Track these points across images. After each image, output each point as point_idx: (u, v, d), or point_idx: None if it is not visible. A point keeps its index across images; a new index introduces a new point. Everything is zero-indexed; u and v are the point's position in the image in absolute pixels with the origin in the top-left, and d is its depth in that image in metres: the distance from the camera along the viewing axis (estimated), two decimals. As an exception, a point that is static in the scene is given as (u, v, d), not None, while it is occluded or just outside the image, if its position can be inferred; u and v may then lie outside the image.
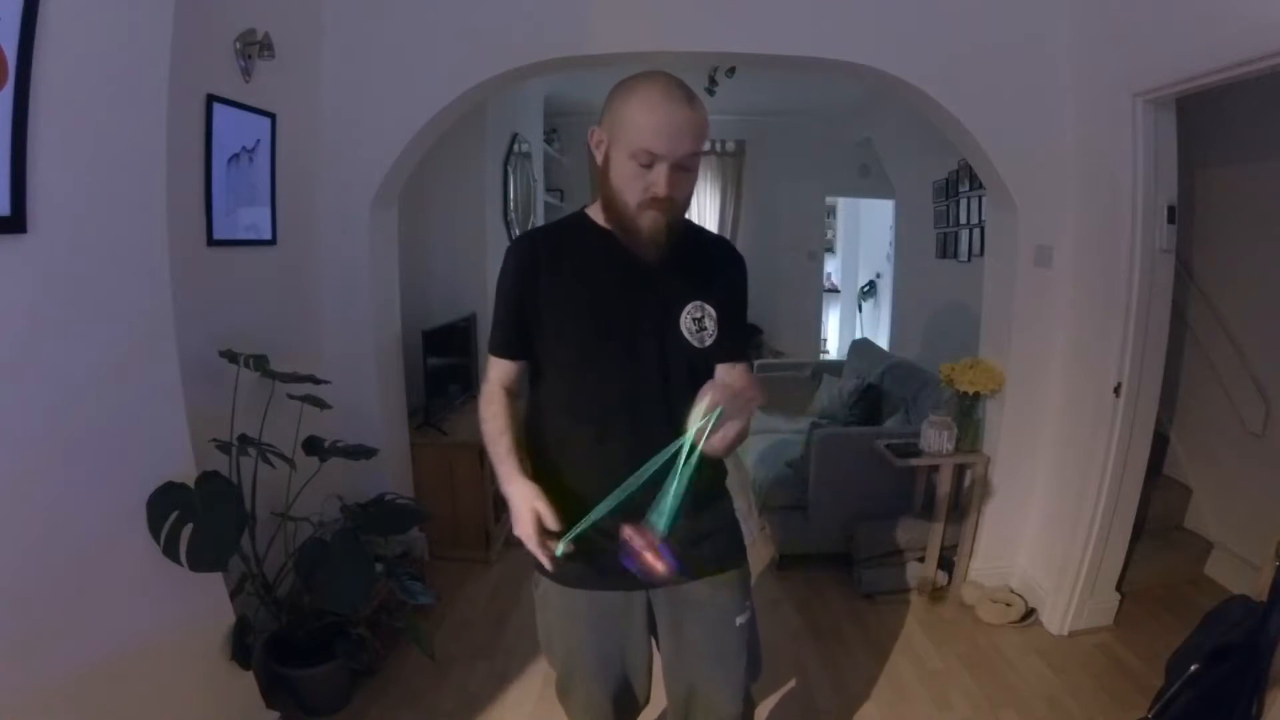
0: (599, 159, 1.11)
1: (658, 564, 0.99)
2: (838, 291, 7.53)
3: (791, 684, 2.23)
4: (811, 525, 2.89)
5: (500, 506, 3.17)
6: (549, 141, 5.35)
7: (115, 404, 1.42)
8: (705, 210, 5.75)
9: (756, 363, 4.83)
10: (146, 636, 1.48)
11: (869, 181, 5.95)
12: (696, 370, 1.16)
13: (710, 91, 4.26)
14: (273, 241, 2.22)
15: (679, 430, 1.03)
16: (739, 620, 1.28)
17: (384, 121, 2.43)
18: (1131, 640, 2.39)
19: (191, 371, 1.64)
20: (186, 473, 1.56)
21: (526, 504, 1.07)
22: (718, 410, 0.99)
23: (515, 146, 4.23)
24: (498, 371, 1.24)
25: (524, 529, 1.07)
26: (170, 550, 1.45)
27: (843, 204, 7.29)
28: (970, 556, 2.76)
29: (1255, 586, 1.57)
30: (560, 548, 1.04)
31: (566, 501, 1.10)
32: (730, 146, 5.82)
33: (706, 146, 5.13)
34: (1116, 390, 2.23)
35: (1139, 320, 2.19)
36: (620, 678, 1.31)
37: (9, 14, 1.15)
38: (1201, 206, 2.81)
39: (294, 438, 2.06)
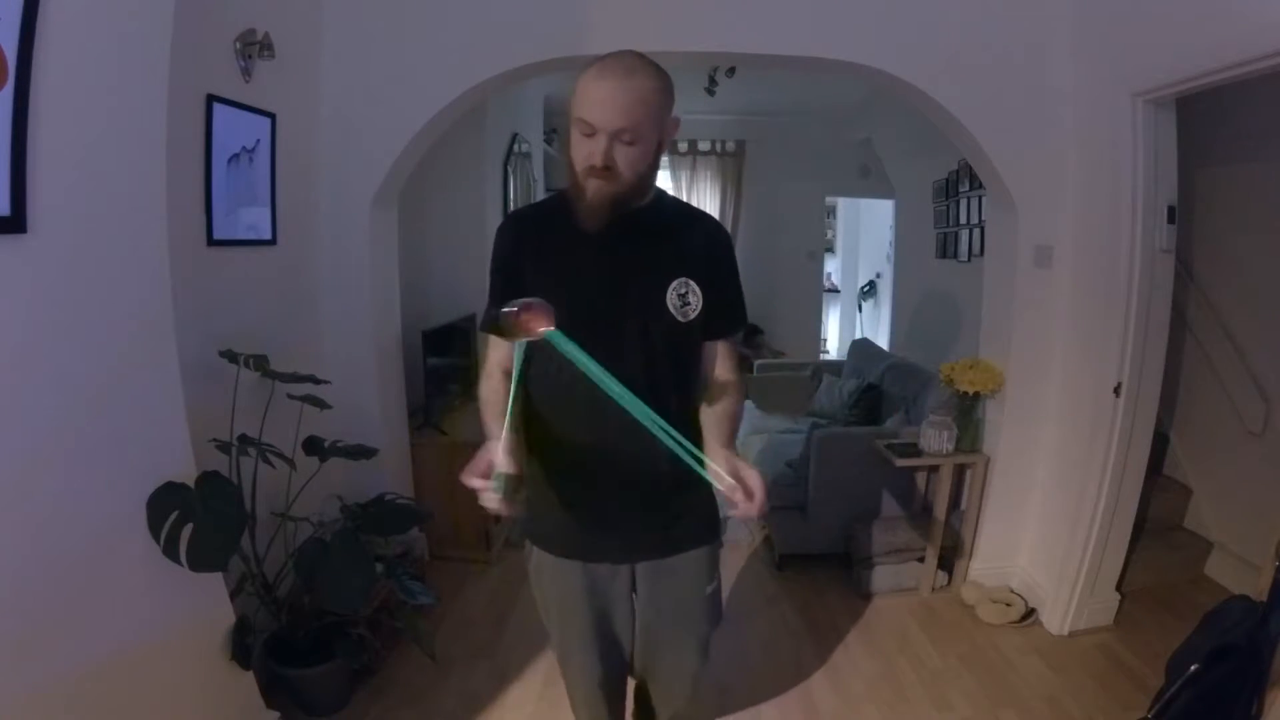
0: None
1: (541, 324, 0.99)
2: (838, 291, 7.53)
3: (792, 684, 2.23)
4: (811, 525, 2.89)
5: (500, 506, 3.16)
6: (549, 141, 5.34)
7: (115, 404, 1.42)
8: (705, 210, 5.76)
9: (757, 363, 4.82)
10: (146, 636, 1.48)
11: (869, 181, 5.95)
12: (681, 344, 1.22)
13: (710, 91, 4.26)
14: (273, 241, 2.22)
15: (663, 404, 1.07)
16: (708, 589, 1.39)
17: (384, 121, 2.43)
18: (1131, 640, 2.39)
19: (191, 371, 1.64)
20: (186, 473, 1.56)
21: (486, 452, 1.08)
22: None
23: (515, 146, 4.23)
24: (495, 353, 1.29)
25: (472, 469, 1.07)
26: (170, 550, 1.45)
27: (843, 204, 7.28)
28: (970, 556, 2.76)
29: (1255, 586, 1.57)
30: (498, 484, 1.03)
31: (563, 471, 1.23)
32: (730, 146, 5.82)
33: (706, 147, 5.13)
34: (1116, 390, 2.23)
35: (1139, 320, 2.19)
36: (607, 644, 1.40)
37: (9, 14, 1.15)
38: (1201, 206, 2.81)
39: (294, 438, 2.07)
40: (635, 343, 1.19)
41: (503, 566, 2.98)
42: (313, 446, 2.10)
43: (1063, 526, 2.46)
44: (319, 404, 2.05)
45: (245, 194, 2.08)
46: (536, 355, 1.21)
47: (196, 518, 1.49)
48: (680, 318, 1.20)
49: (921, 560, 2.75)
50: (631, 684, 1.59)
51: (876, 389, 3.70)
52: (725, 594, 2.73)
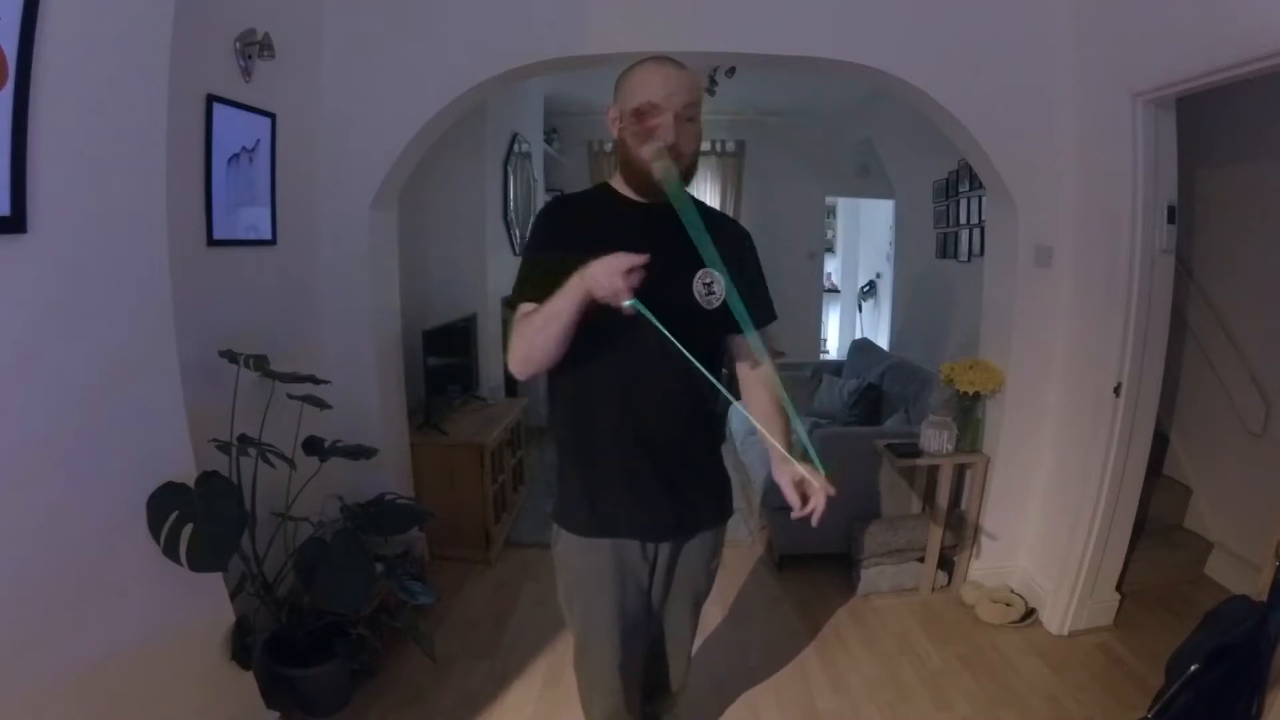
0: (614, 132, 1.28)
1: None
2: (838, 291, 7.53)
3: (792, 684, 2.23)
4: (812, 525, 2.88)
5: (500, 506, 3.17)
6: (549, 141, 5.35)
7: (115, 404, 1.42)
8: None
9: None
10: (146, 636, 1.48)
11: (869, 181, 5.94)
12: (705, 330, 1.29)
13: (710, 91, 4.25)
14: (273, 241, 2.22)
15: (692, 382, 1.22)
16: (711, 565, 1.51)
17: (384, 122, 2.43)
18: (1131, 640, 2.39)
19: (191, 371, 1.64)
20: (186, 473, 1.56)
21: (612, 259, 1.09)
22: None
23: (515, 146, 4.23)
24: (526, 310, 1.29)
25: (612, 265, 1.08)
26: (170, 550, 1.45)
27: (843, 204, 7.28)
28: (970, 556, 2.76)
29: (1255, 586, 1.57)
30: (630, 301, 1.08)
31: (595, 454, 1.32)
32: (730, 146, 5.81)
33: (706, 146, 5.15)
34: (1116, 390, 2.23)
35: (1139, 320, 2.19)
36: (631, 624, 1.44)
37: (9, 14, 1.15)
38: (1201, 206, 2.81)
39: (294, 438, 2.06)
40: (668, 319, 1.21)
41: (503, 566, 2.98)
42: (313, 446, 2.10)
43: (1063, 526, 2.46)
44: (319, 404, 2.05)
45: (245, 194, 2.08)
46: (582, 330, 1.26)
47: (196, 518, 1.48)
48: (705, 305, 1.29)
49: (921, 560, 2.75)
50: None
51: (876, 389, 3.70)
52: (726, 594, 2.75)
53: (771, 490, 3.04)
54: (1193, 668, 1.49)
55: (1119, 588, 2.50)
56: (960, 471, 2.73)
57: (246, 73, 2.03)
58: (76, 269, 1.32)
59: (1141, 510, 2.46)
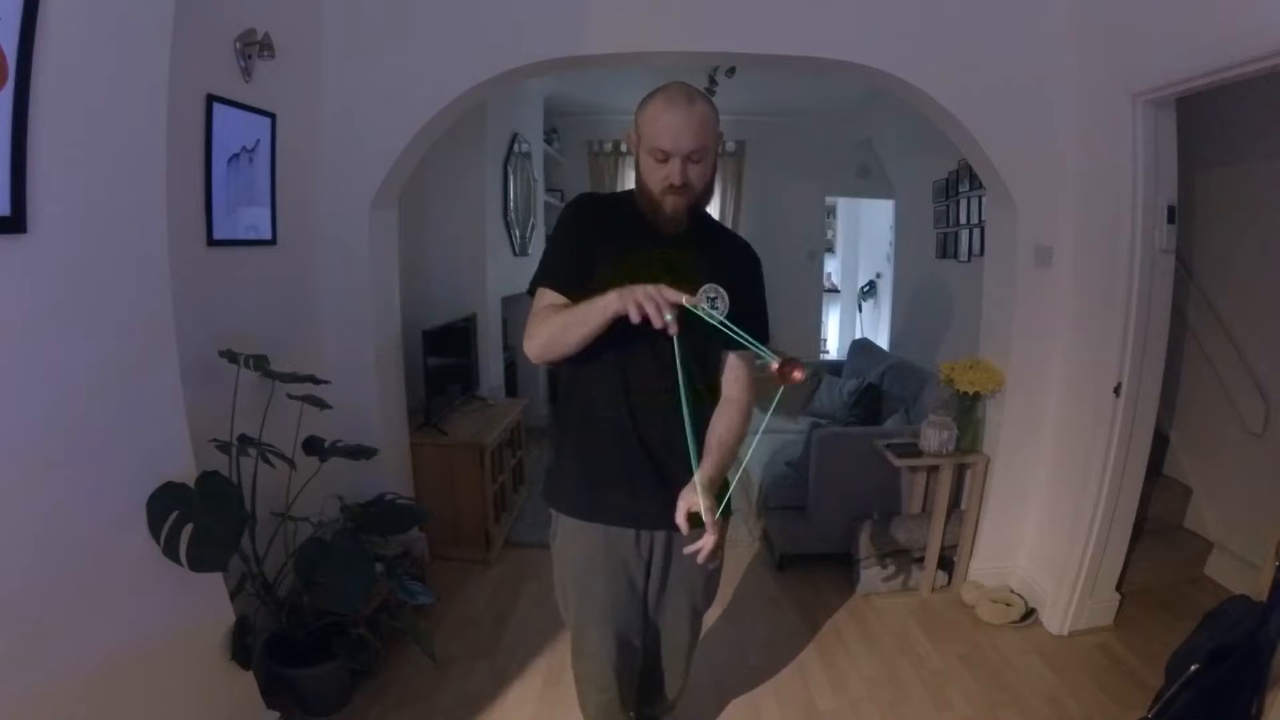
0: (634, 152, 1.33)
1: (800, 371, 1.14)
2: (838, 291, 7.52)
3: (792, 684, 2.23)
4: (811, 525, 2.89)
5: (500, 506, 3.17)
6: (549, 141, 5.34)
7: (115, 404, 1.42)
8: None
9: (757, 363, 4.82)
10: (146, 636, 1.48)
11: (869, 181, 5.94)
12: (710, 341, 1.31)
13: (710, 91, 4.24)
14: (273, 241, 2.22)
15: (692, 388, 1.23)
16: (710, 567, 1.48)
17: (384, 121, 2.43)
18: (1131, 640, 2.39)
19: (191, 371, 1.64)
20: (186, 473, 1.56)
21: (661, 291, 1.13)
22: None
23: (515, 146, 4.23)
24: (549, 300, 1.33)
25: (648, 290, 1.12)
26: (170, 550, 1.45)
27: (843, 204, 7.27)
28: (970, 556, 2.76)
29: (1255, 586, 1.57)
30: (670, 314, 1.11)
31: (594, 442, 1.37)
32: (730, 146, 5.81)
33: (708, 146, 4.91)
34: (1116, 390, 2.23)
35: (1139, 320, 2.19)
36: (624, 621, 1.47)
37: (9, 14, 1.15)
38: (1201, 206, 2.81)
39: (294, 438, 2.06)
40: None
41: (503, 566, 2.98)
42: (313, 446, 2.10)
43: (1063, 526, 2.46)
44: (319, 404, 2.05)
45: (245, 194, 2.08)
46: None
47: (196, 518, 1.48)
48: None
49: (921, 560, 2.75)
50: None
51: (876, 389, 3.70)
52: (726, 594, 2.75)
53: (772, 491, 3.06)
54: (1193, 668, 1.49)
55: (1119, 588, 2.50)
56: (960, 471, 2.73)
57: (246, 73, 2.03)
58: (76, 269, 1.32)
59: (1141, 510, 2.46)
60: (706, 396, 1.39)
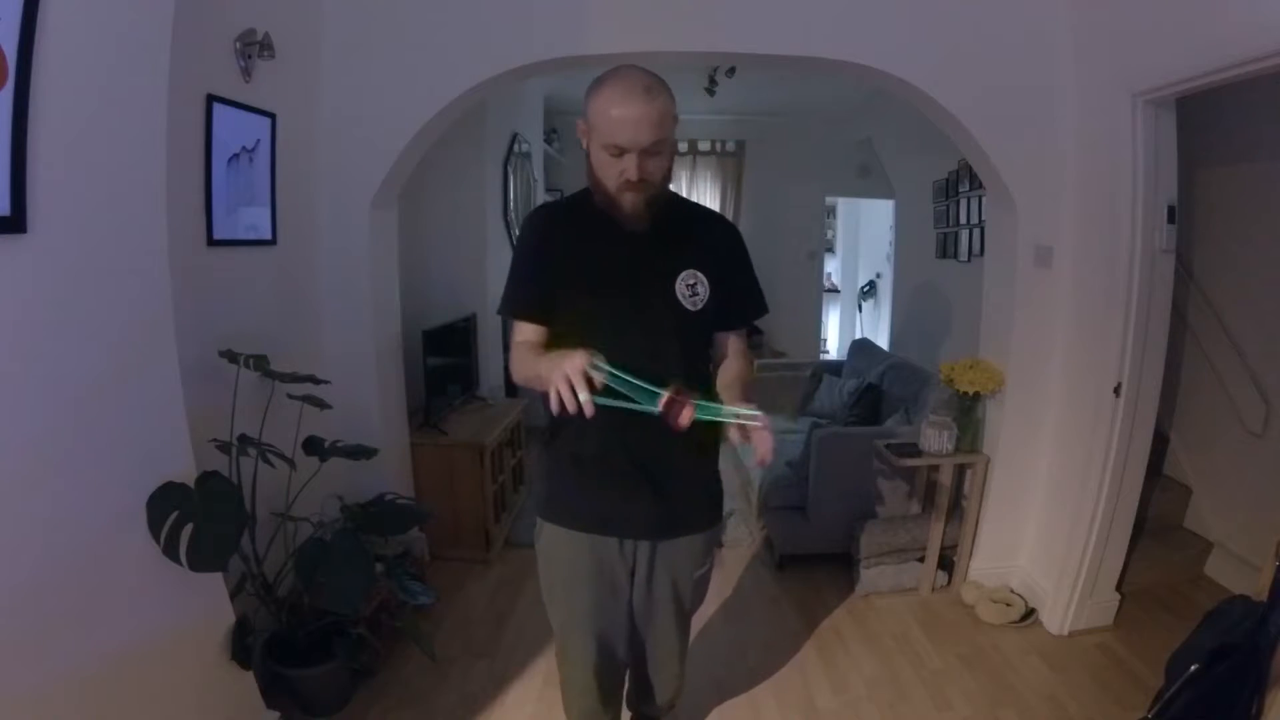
0: (584, 144, 1.26)
1: (686, 415, 1.06)
2: (838, 291, 7.53)
3: (792, 684, 2.23)
4: (811, 525, 2.89)
5: (500, 506, 3.17)
6: (549, 141, 5.35)
7: (115, 404, 1.42)
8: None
9: (757, 363, 4.82)
10: (146, 636, 1.48)
11: (869, 181, 5.95)
12: (689, 331, 1.31)
13: (710, 91, 4.25)
14: (273, 241, 2.22)
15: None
16: (697, 574, 1.48)
17: (384, 121, 2.43)
18: (1131, 640, 2.39)
19: (191, 371, 1.64)
20: (186, 473, 1.56)
21: (580, 354, 1.08)
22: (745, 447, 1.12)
23: (515, 146, 4.23)
24: (521, 334, 1.34)
25: (574, 361, 1.06)
26: (170, 550, 1.45)
27: (843, 204, 7.28)
28: (970, 556, 2.76)
29: (1255, 586, 1.57)
30: (586, 393, 1.05)
31: (581, 450, 1.32)
32: (730, 146, 5.82)
33: (706, 147, 5.14)
34: (1116, 390, 2.23)
35: (1139, 320, 2.19)
36: (609, 627, 1.46)
37: (9, 14, 1.15)
38: (1201, 206, 2.81)
39: (294, 438, 2.06)
40: (650, 331, 1.27)
41: (503, 566, 2.98)
42: (313, 446, 2.10)
43: (1063, 526, 2.46)
44: (319, 404, 2.05)
45: (245, 194, 2.08)
46: (569, 338, 1.28)
47: (196, 518, 1.48)
48: (689, 306, 1.29)
49: (921, 560, 2.75)
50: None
51: (876, 389, 3.69)
52: (726, 594, 2.75)
53: (772, 491, 3.05)
54: (1193, 668, 1.49)
55: (1119, 588, 2.50)
56: (960, 471, 2.73)
57: (246, 73, 2.03)
58: (76, 269, 1.32)
59: (1141, 510, 2.46)
60: (699, 393, 1.36)
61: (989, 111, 2.40)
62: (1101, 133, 2.26)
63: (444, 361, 3.15)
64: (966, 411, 2.66)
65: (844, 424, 3.66)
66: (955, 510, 2.75)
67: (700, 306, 1.30)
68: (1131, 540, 2.46)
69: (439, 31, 2.36)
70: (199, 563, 1.47)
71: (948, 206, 4.30)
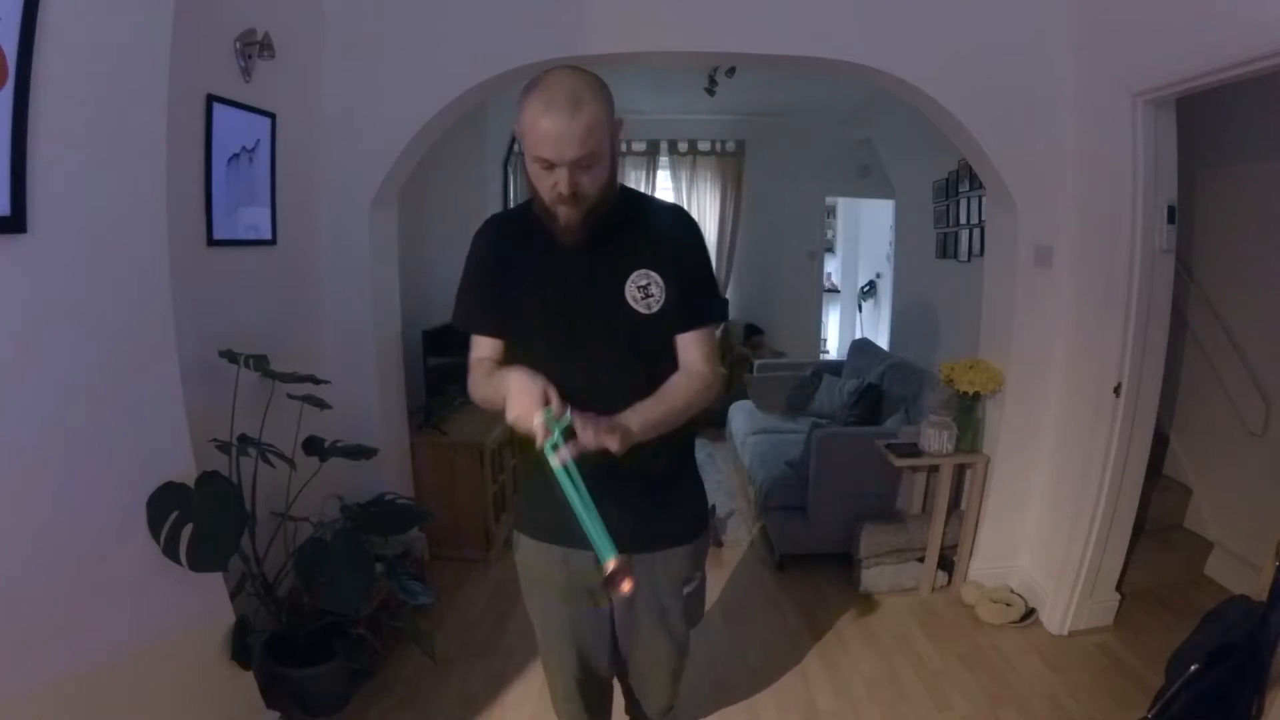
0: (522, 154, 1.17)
1: (628, 584, 1.05)
2: (838, 291, 7.52)
3: (792, 684, 2.23)
4: (811, 525, 2.89)
5: (500, 506, 3.16)
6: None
7: (115, 404, 1.42)
8: (705, 210, 5.74)
9: (757, 363, 4.82)
10: (146, 636, 1.48)
11: (869, 181, 5.94)
12: (647, 337, 1.22)
13: (710, 91, 4.24)
14: (273, 241, 2.22)
15: (631, 399, 1.14)
16: (686, 590, 1.39)
17: (384, 121, 2.43)
18: (1131, 640, 2.39)
19: (191, 371, 1.64)
20: (186, 473, 1.56)
21: (539, 384, 1.07)
22: (564, 419, 1.04)
23: (515, 146, 4.23)
24: (478, 350, 1.33)
25: (526, 401, 1.05)
26: (170, 550, 1.45)
27: (843, 204, 7.27)
28: (970, 556, 2.76)
29: (1255, 586, 1.57)
30: (549, 441, 1.03)
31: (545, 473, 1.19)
32: (730, 146, 5.81)
33: (706, 147, 5.10)
34: (1116, 390, 2.23)
35: (1139, 320, 2.19)
36: (589, 638, 1.41)
37: (9, 14, 1.15)
38: (1201, 206, 2.80)
39: (294, 438, 2.07)
40: (604, 340, 1.21)
41: (503, 566, 2.98)
42: (313, 446, 2.10)
43: (1063, 526, 2.46)
44: (319, 404, 2.05)
45: (245, 194, 2.08)
46: (524, 352, 1.26)
47: (196, 518, 1.49)
48: (643, 310, 1.20)
49: (921, 560, 2.75)
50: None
51: (876, 389, 3.69)
52: (725, 594, 2.75)
53: (772, 491, 3.05)
54: (1193, 668, 1.49)
55: (1119, 588, 2.50)
56: (960, 471, 2.73)
57: (246, 73, 2.03)
58: (76, 269, 1.33)
59: (1141, 510, 2.45)
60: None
61: (989, 111, 2.40)
62: (1101, 133, 2.26)
63: (444, 361, 3.15)
64: (966, 411, 2.66)
65: (844, 424, 3.67)
66: (955, 510, 2.75)
67: (656, 309, 1.20)
68: (1131, 540, 2.46)
69: (439, 31, 2.36)
70: (199, 563, 1.47)
71: (948, 206, 4.30)
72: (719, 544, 3.18)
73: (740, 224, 5.86)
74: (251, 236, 2.13)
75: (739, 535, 3.25)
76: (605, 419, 1.06)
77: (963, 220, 4.09)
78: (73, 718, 1.33)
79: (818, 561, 2.94)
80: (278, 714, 1.89)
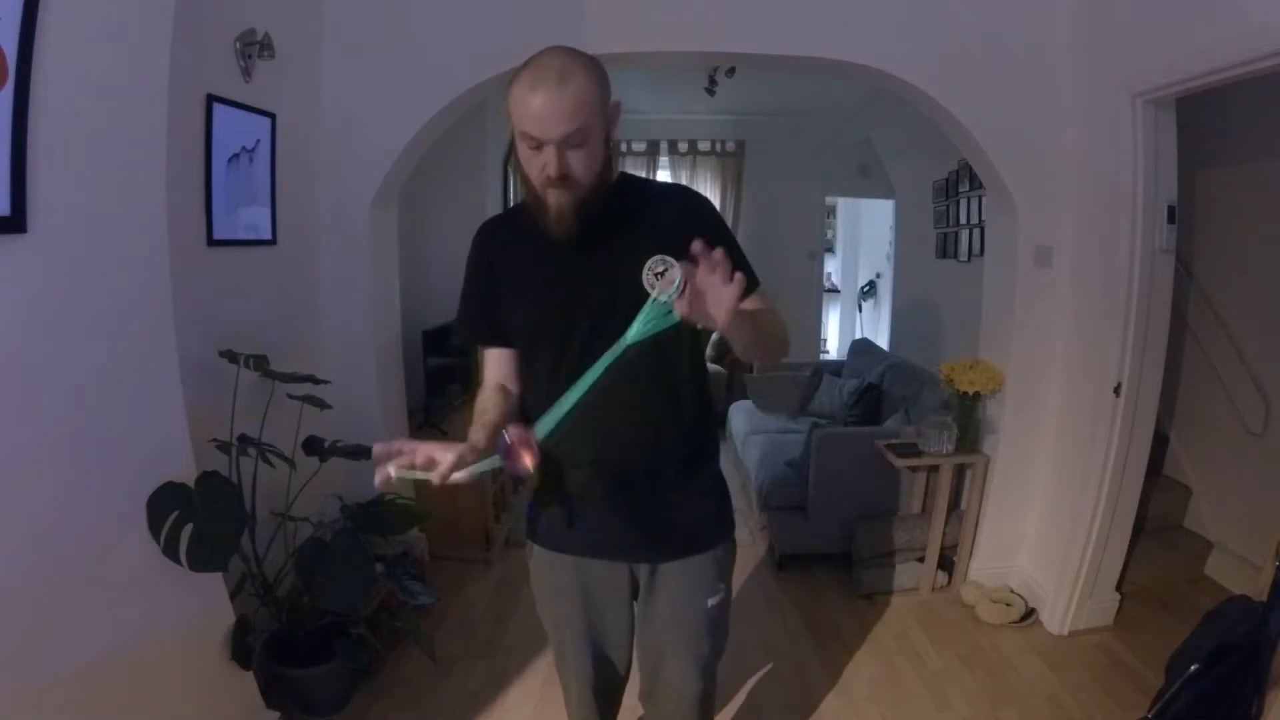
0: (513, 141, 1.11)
1: (526, 460, 0.99)
2: (838, 291, 7.52)
3: (792, 684, 2.23)
4: (811, 525, 2.89)
5: (500, 507, 3.17)
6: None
7: (115, 404, 1.42)
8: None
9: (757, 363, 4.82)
10: (146, 636, 1.48)
11: (869, 181, 5.94)
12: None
13: (710, 91, 4.24)
14: (273, 241, 2.22)
15: (676, 402, 1.12)
16: (710, 601, 1.31)
17: (384, 121, 2.43)
18: (1131, 640, 2.39)
19: (191, 371, 1.64)
20: (186, 473, 1.56)
21: (448, 450, 1.03)
22: (675, 284, 0.94)
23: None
24: (490, 366, 1.29)
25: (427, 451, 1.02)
26: (170, 550, 1.45)
27: (843, 204, 7.27)
28: (970, 556, 2.76)
29: (1255, 586, 1.57)
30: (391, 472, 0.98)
31: (563, 469, 1.20)
32: (730, 146, 5.81)
33: (706, 147, 5.10)
34: (1116, 390, 2.23)
35: (1139, 320, 2.19)
36: (602, 648, 1.37)
37: (9, 14, 1.15)
38: (1201, 206, 2.80)
39: (294, 438, 2.06)
40: (619, 328, 1.08)
41: (503, 566, 2.98)
42: (313, 446, 2.10)
43: (1063, 526, 2.46)
44: (319, 404, 2.05)
45: (245, 194, 2.08)
46: (524, 364, 1.23)
47: (196, 518, 1.49)
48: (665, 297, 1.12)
49: (921, 560, 2.75)
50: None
51: (876, 389, 3.69)
52: (725, 594, 2.74)
53: (772, 491, 3.05)
54: (1193, 668, 1.49)
55: (1119, 588, 2.50)
56: (960, 471, 2.73)
57: (246, 73, 2.03)
58: (76, 269, 1.32)
59: (1141, 510, 2.45)
60: (687, 408, 1.22)
61: (989, 111, 2.40)
62: (1101, 133, 2.26)
63: (444, 361, 3.16)
64: (966, 411, 2.66)
65: (844, 424, 3.67)
66: (955, 510, 2.75)
67: (679, 294, 1.09)
68: (1131, 540, 2.46)
69: (439, 31, 2.36)
70: (199, 563, 1.47)
71: (948, 206, 4.30)
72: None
73: (740, 224, 5.87)
74: (251, 236, 2.13)
75: (739, 535, 3.24)
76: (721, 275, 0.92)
77: (963, 220, 4.09)
78: (73, 718, 1.33)
79: (818, 561, 2.94)
80: (278, 714, 1.89)
